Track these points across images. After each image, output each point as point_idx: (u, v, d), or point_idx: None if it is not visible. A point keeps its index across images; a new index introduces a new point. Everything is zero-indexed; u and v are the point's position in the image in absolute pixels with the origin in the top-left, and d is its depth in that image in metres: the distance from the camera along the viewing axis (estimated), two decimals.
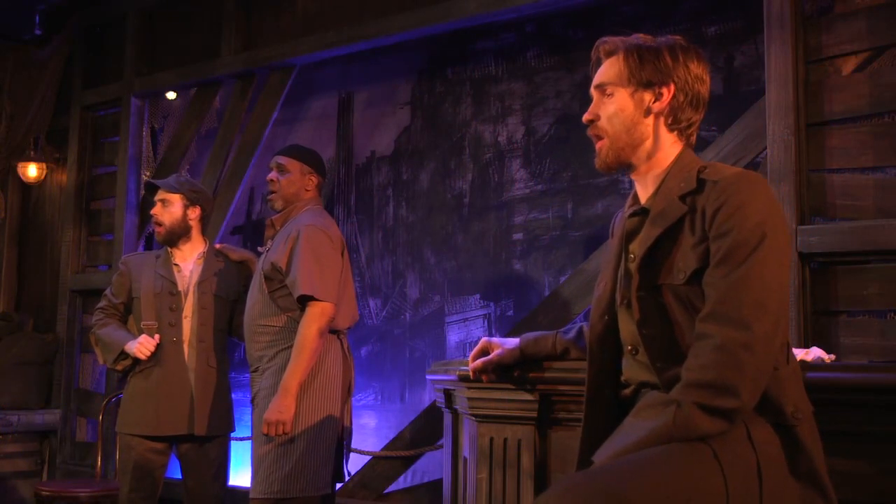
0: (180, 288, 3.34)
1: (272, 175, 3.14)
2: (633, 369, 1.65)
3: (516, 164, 3.95)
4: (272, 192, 3.13)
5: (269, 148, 4.71)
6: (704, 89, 1.67)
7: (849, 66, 2.94)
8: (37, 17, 5.37)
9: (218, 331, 3.36)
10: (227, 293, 3.39)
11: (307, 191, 3.14)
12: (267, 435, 2.83)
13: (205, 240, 3.49)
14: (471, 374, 2.01)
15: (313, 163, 3.17)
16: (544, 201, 3.85)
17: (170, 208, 3.38)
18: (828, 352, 1.93)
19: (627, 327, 1.64)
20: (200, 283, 3.35)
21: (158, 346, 3.25)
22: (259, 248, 3.20)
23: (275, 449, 2.85)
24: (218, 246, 3.53)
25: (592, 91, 1.74)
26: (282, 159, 3.14)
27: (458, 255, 4.09)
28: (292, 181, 3.12)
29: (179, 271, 3.38)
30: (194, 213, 3.41)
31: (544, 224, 3.84)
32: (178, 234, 3.39)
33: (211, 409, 3.28)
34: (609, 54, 1.71)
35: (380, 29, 4.08)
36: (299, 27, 4.46)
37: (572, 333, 1.95)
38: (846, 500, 1.57)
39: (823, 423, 1.63)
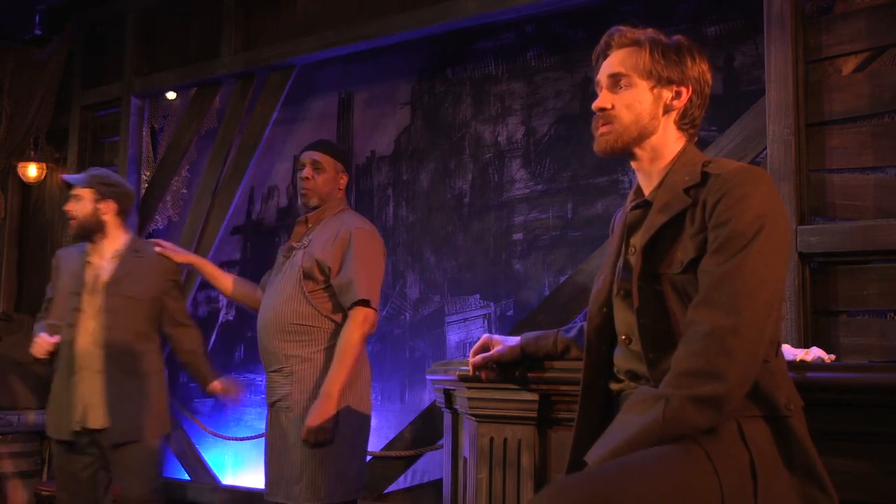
0: (88, 287, 3.21)
1: (307, 172, 3.02)
2: (625, 358, 1.65)
3: (516, 164, 3.95)
4: (307, 189, 3.02)
5: (269, 148, 4.71)
6: (710, 91, 1.71)
7: (849, 66, 2.94)
8: (37, 17, 5.37)
9: (133, 333, 3.21)
10: (141, 293, 3.23)
11: (339, 190, 3.07)
12: (305, 440, 2.74)
13: (126, 236, 3.33)
14: (470, 369, 2.02)
15: (346, 162, 3.11)
16: (544, 201, 3.85)
17: (81, 203, 3.25)
18: (828, 352, 1.93)
19: (623, 317, 1.65)
20: (110, 283, 3.21)
21: (59, 346, 3.15)
22: (294, 245, 3.02)
23: (318, 454, 2.76)
24: (162, 248, 3.34)
25: (604, 78, 1.70)
26: (317, 156, 3.03)
27: (458, 255, 4.08)
28: (328, 180, 3.03)
29: (92, 269, 3.25)
30: (108, 208, 3.27)
31: (544, 224, 3.84)
32: (90, 230, 3.25)
33: (122, 412, 3.12)
34: (625, 45, 1.70)
35: (380, 29, 4.08)
36: (299, 27, 4.46)
37: (573, 332, 1.95)
38: (847, 501, 1.57)
39: (823, 423, 1.63)
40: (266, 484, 2.92)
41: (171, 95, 5.07)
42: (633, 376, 1.63)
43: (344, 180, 3.09)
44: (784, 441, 1.46)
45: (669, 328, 1.54)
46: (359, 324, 2.84)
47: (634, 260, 1.60)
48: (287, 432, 2.85)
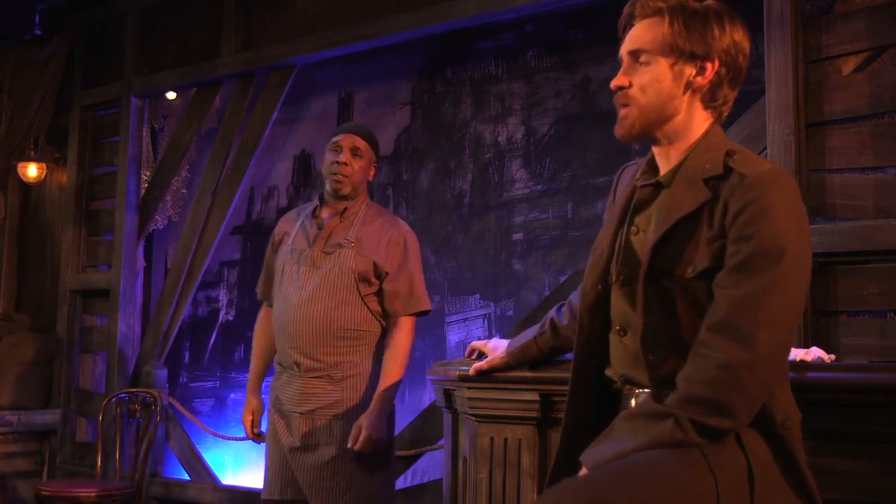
0: None
1: (345, 157, 2.78)
2: (619, 355, 1.59)
3: (516, 164, 3.95)
4: (343, 176, 2.78)
5: (269, 148, 4.71)
6: (746, 63, 1.54)
7: (849, 66, 2.94)
8: (37, 17, 5.37)
9: None
10: None
11: (367, 182, 2.91)
12: (361, 449, 2.65)
13: None
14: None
15: (378, 154, 2.95)
16: (544, 201, 3.85)
17: None
18: (828, 352, 1.93)
19: (620, 306, 1.57)
20: None
21: None
22: (340, 242, 2.77)
23: (366, 464, 2.68)
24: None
25: (625, 54, 1.56)
26: (360, 142, 2.82)
27: (458, 255, 4.08)
28: (363, 168, 2.83)
29: None
30: None
31: (544, 224, 3.84)
32: None
33: None
34: (647, 15, 1.54)
35: (380, 29, 4.07)
36: (299, 27, 4.46)
37: (548, 333, 1.93)
38: (847, 501, 1.57)
39: (823, 423, 1.63)
40: (291, 488, 2.76)
41: (171, 95, 5.07)
42: (629, 382, 1.58)
43: (373, 172, 2.93)
44: (780, 456, 1.44)
45: (673, 331, 1.47)
46: (410, 332, 2.78)
47: (640, 250, 1.52)
48: (335, 440, 2.70)
